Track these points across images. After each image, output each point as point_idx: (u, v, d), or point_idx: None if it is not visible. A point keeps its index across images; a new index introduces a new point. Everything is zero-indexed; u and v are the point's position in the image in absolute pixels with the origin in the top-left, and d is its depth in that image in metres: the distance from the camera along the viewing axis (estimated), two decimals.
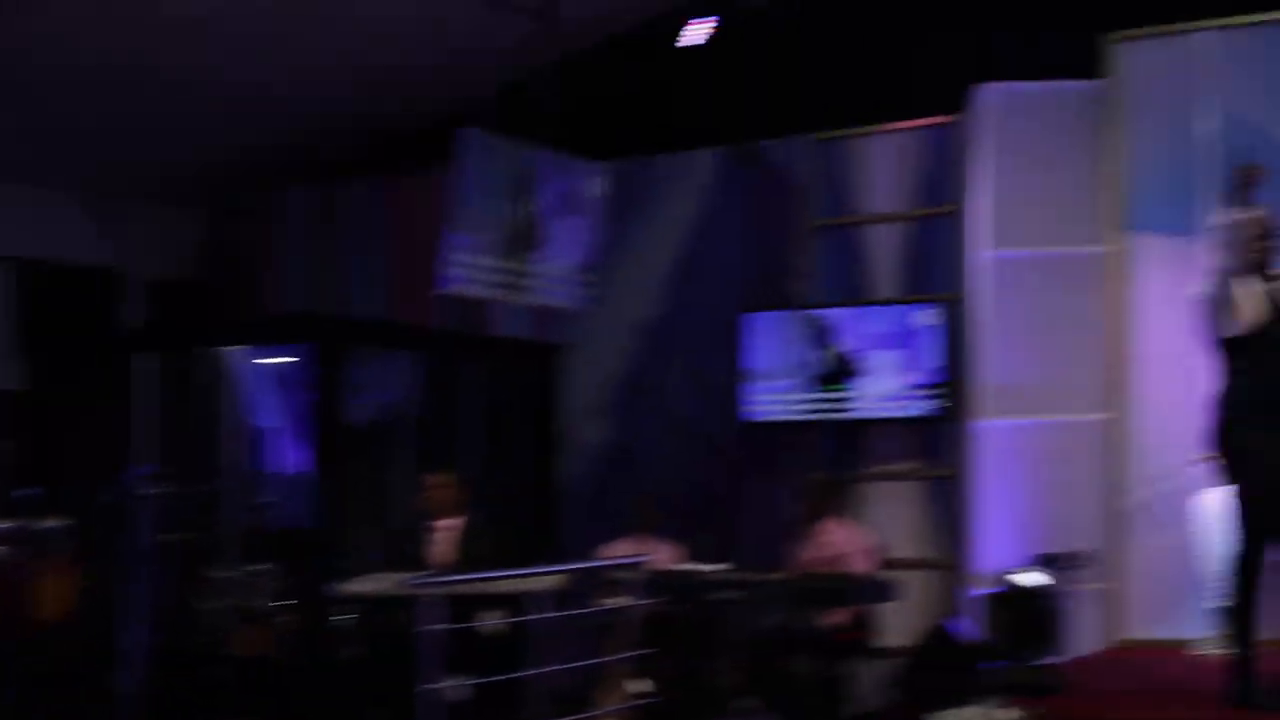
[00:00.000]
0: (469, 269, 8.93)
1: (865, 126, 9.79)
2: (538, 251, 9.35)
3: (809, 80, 9.93)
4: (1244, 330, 6.22)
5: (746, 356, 9.55)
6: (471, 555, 8.21)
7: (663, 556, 8.86)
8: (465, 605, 6.85)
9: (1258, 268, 6.29)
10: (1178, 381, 8.29)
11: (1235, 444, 6.27)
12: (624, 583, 6.82)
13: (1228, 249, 6.38)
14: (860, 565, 8.38)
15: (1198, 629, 8.06)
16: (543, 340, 10.44)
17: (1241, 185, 6.77)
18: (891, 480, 9.48)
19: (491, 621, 7.21)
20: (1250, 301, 6.22)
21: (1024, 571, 7.08)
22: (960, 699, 5.97)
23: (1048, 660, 6.94)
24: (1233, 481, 6.32)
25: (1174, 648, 8.13)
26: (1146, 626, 8.43)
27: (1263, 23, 8.57)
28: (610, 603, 7.88)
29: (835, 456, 9.52)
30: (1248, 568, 6.18)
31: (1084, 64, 8.92)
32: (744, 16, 9.71)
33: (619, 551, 8.77)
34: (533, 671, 6.54)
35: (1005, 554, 8.40)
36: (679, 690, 8.51)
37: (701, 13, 9.58)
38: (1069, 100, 8.97)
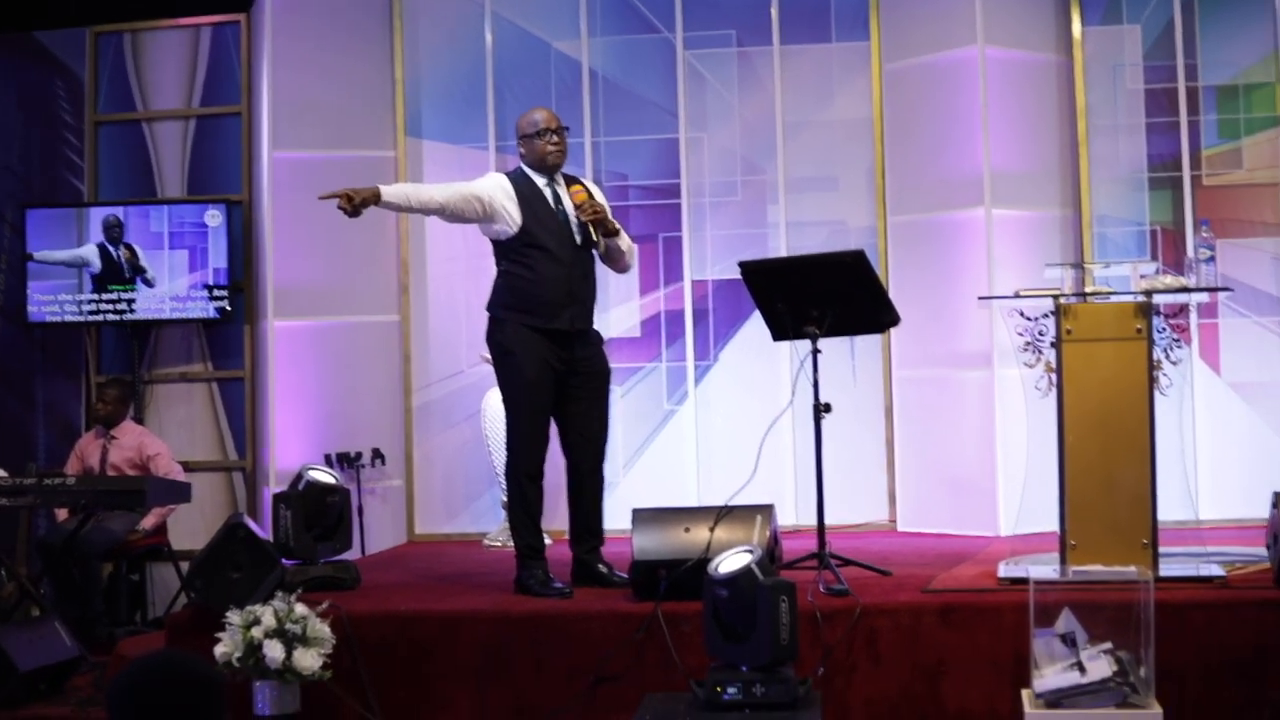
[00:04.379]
0: None
1: (148, 21, 9.50)
2: None
3: None
4: (515, 230, 6.44)
5: (26, 255, 9.13)
6: None
7: None
8: None
9: (546, 168, 6.53)
10: (461, 283, 8.68)
11: (502, 342, 6.49)
12: None
13: (521, 149, 6.58)
14: (156, 468, 8.31)
15: (489, 523, 8.51)
16: None
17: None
18: (183, 382, 9.35)
19: None
20: (524, 202, 6.45)
21: (317, 470, 7.18)
22: (254, 597, 6.00)
23: (342, 557, 7.08)
24: (503, 380, 6.56)
25: (467, 541, 8.53)
26: (440, 522, 8.81)
27: None
28: None
29: (125, 358, 9.30)
30: (521, 461, 6.44)
31: None
32: None
33: None
34: None
35: (300, 453, 8.52)
36: None
37: None
38: (356, 3, 9.04)
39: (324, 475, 7.14)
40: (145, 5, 9.49)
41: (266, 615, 5.75)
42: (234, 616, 5.80)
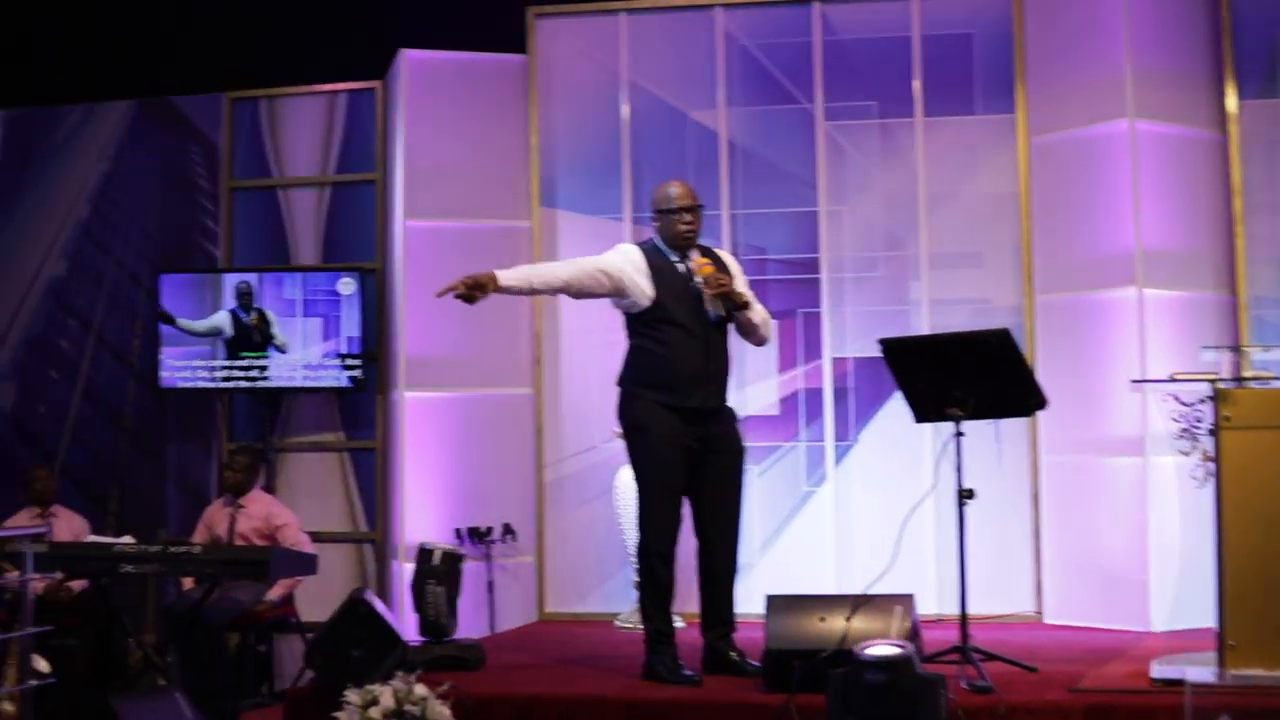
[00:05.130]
0: None
1: (285, 87, 9.53)
2: None
3: (227, 35, 9.62)
4: (648, 304, 6.28)
5: (161, 321, 9.13)
6: None
7: (66, 529, 8.52)
8: None
9: (678, 245, 6.37)
10: (595, 356, 8.51)
11: (633, 418, 6.35)
12: (21, 556, 6.40)
13: (656, 223, 6.45)
14: (283, 538, 8.23)
15: (621, 603, 8.29)
16: None
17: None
18: (314, 451, 9.30)
19: None
20: (656, 276, 6.30)
21: (444, 545, 7.06)
22: (374, 676, 5.89)
23: (467, 636, 6.95)
24: (633, 457, 6.40)
25: (598, 622, 8.32)
26: (571, 601, 8.61)
27: (674, 7, 8.84)
28: (9, 578, 7.48)
29: (256, 426, 9.26)
30: (652, 541, 6.25)
31: (511, 37, 8.95)
32: None
33: (19, 524, 8.37)
34: None
35: (430, 527, 8.41)
36: (87, 667, 8.16)
37: None
38: (492, 73, 8.97)
39: (451, 552, 7.03)
40: (282, 71, 9.51)
41: (385, 695, 5.63)
42: (352, 695, 5.68)
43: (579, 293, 6.38)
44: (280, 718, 6.42)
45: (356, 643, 6.26)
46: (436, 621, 6.74)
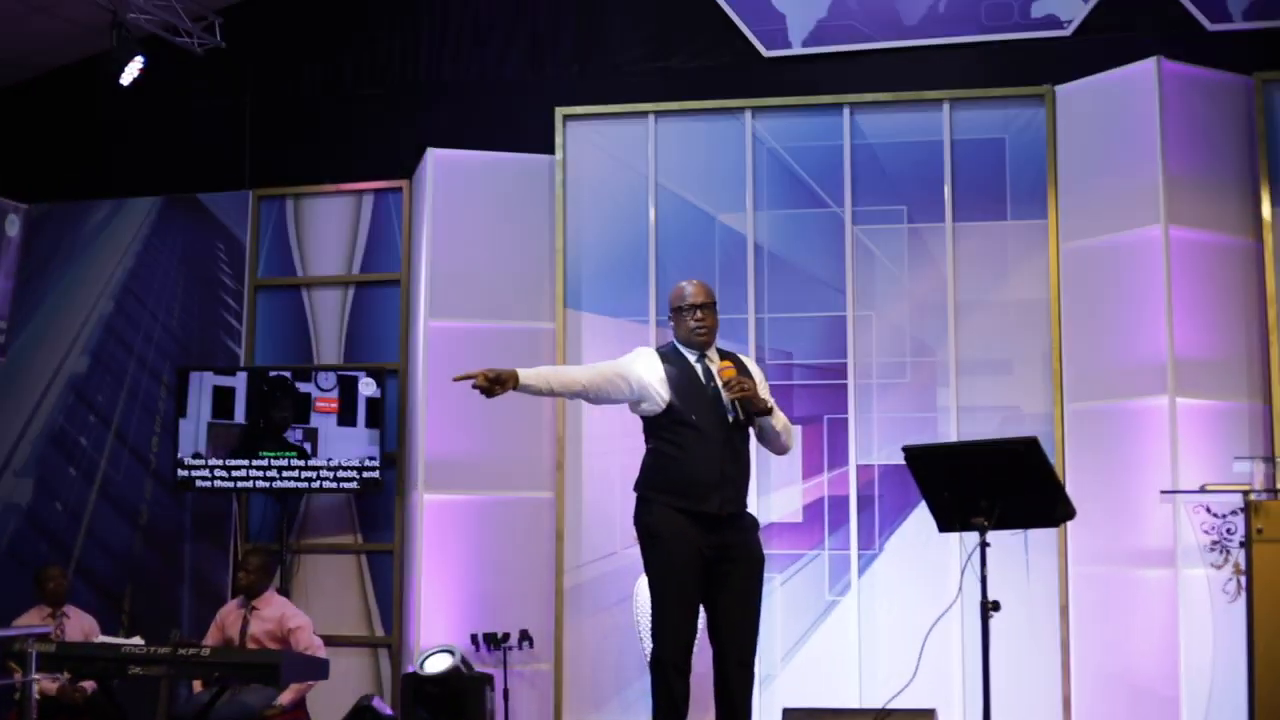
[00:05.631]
0: None
1: (311, 185, 9.51)
2: None
3: (254, 132, 9.62)
4: (662, 407, 6.13)
5: (181, 418, 9.03)
6: None
7: (77, 628, 8.41)
8: None
9: (693, 344, 6.23)
10: (617, 460, 8.38)
11: (648, 524, 6.15)
12: (28, 656, 6.29)
13: (671, 322, 6.31)
14: (296, 642, 8.08)
15: (640, 712, 8.06)
16: None
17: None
18: (331, 553, 9.17)
19: None
20: (672, 378, 6.15)
21: (451, 651, 6.91)
22: None
23: None
24: (648, 564, 6.19)
25: None
26: (588, 710, 8.43)
27: (704, 110, 8.80)
28: (16, 677, 7.37)
29: (273, 526, 9.13)
30: (666, 652, 6.00)
31: (539, 137, 8.93)
32: (182, 59, 9.39)
33: (29, 622, 8.25)
34: None
35: (445, 632, 8.26)
36: None
37: (139, 53, 9.11)
38: (519, 173, 8.93)
39: (457, 658, 6.94)
40: (309, 170, 9.49)
41: None
42: None
43: (597, 397, 6.25)
44: None
45: None
46: None
